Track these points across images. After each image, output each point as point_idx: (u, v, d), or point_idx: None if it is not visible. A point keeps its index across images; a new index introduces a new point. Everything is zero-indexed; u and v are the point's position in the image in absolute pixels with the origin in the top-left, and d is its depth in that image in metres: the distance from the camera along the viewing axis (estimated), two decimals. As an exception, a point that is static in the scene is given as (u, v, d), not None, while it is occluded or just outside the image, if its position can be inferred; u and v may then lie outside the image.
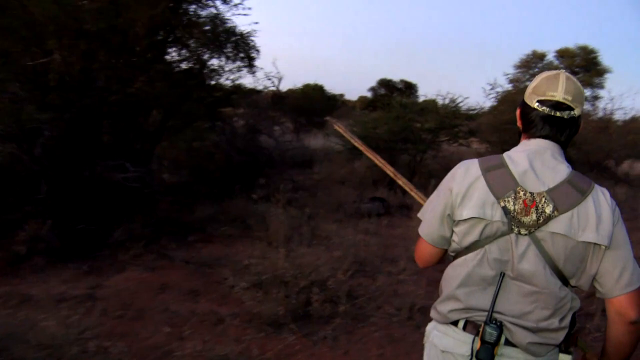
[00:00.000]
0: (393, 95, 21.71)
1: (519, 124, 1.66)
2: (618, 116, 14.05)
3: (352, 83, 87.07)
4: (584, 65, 20.79)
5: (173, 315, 4.04)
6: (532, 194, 1.46)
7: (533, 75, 16.52)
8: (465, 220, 1.52)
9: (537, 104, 1.55)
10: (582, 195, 1.45)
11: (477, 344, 1.48)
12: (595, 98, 19.26)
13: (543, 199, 1.45)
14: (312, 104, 21.40)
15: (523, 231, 1.46)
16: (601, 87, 20.57)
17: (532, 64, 17.82)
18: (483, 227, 1.49)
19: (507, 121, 8.23)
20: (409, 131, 10.25)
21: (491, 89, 12.05)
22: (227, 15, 9.67)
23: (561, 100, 1.52)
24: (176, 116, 6.96)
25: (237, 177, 7.69)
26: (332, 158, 12.13)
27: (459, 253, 1.58)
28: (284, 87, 19.78)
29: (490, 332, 1.45)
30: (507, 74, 14.98)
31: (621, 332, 1.51)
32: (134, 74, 4.89)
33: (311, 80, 26.65)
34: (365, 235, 6.64)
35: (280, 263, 4.42)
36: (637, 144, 14.97)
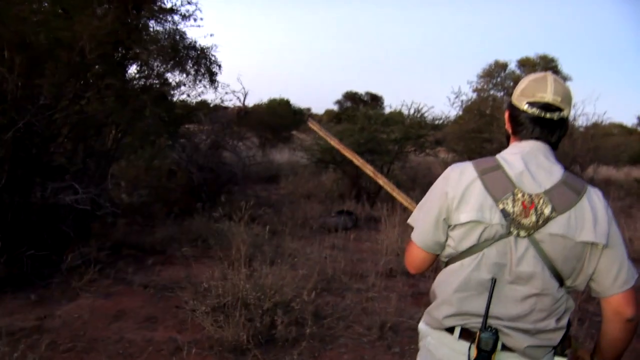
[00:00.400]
0: (359, 107, 21.71)
1: (507, 126, 1.66)
2: (581, 122, 14.23)
3: (318, 97, 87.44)
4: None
5: (128, 346, 3.76)
6: (530, 195, 1.45)
7: (496, 85, 16.76)
8: (462, 224, 1.49)
9: (526, 105, 1.55)
10: (578, 196, 1.46)
11: (474, 353, 1.46)
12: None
13: (541, 200, 1.45)
14: (279, 119, 21.35)
15: (522, 233, 1.45)
16: (562, 94, 20.76)
17: (495, 73, 17.98)
18: (482, 231, 1.47)
19: (472, 130, 8.19)
20: (375, 142, 10.12)
21: (455, 97, 12.05)
22: (187, 30, 9.49)
23: (551, 101, 1.52)
24: (134, 134, 6.67)
25: (199, 195, 7.44)
26: (298, 172, 11.95)
27: (454, 258, 1.56)
28: (251, 102, 19.74)
29: (486, 340, 1.44)
30: (471, 82, 15.05)
31: (617, 330, 1.52)
32: (83, 90, 4.60)
33: (278, 95, 26.60)
34: (333, 250, 6.45)
35: (242, 284, 4.19)
36: (600, 149, 15.17)
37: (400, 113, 11.14)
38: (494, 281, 1.46)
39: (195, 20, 11.97)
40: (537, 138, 1.55)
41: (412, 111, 10.73)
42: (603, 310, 1.55)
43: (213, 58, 12.53)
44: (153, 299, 4.65)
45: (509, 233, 1.45)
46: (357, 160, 2.39)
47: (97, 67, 4.72)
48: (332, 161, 10.53)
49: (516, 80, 18.24)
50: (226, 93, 10.42)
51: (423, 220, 1.62)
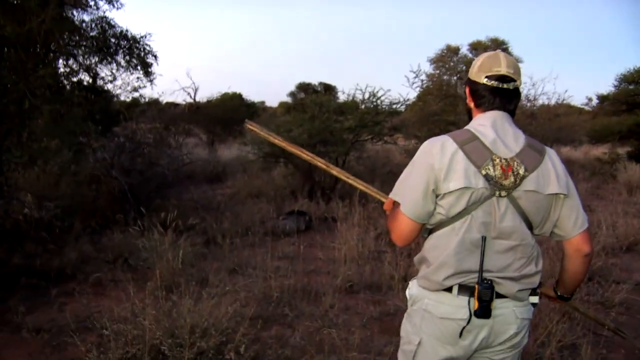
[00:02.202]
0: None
1: (468, 101, 1.86)
2: (542, 101, 13.73)
3: (272, 90, 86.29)
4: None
5: None
6: (505, 159, 1.67)
7: (449, 69, 16.07)
8: (452, 192, 1.65)
9: (485, 79, 1.77)
10: (541, 156, 1.72)
11: (475, 304, 1.66)
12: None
13: (515, 163, 1.67)
14: (230, 113, 20.27)
15: (503, 193, 1.67)
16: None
17: (447, 58, 17.41)
18: (470, 195, 1.66)
19: (435, 112, 7.19)
20: (328, 132, 9.12)
21: (415, 76, 11.07)
22: (115, 17, 8.41)
23: (505, 73, 1.75)
24: (34, 136, 5.53)
25: (123, 204, 6.31)
26: (246, 169, 10.87)
27: (443, 223, 1.72)
28: (203, 97, 19.03)
29: (485, 292, 1.65)
30: (431, 58, 14.23)
31: (578, 264, 1.82)
32: None
33: (230, 89, 25.66)
34: (282, 261, 5.46)
35: (157, 325, 3.16)
36: (562, 129, 14.64)
37: (353, 100, 10.13)
38: (484, 239, 1.68)
39: (121, 5, 10.80)
40: (498, 108, 1.77)
41: (367, 95, 9.76)
42: (566, 250, 1.82)
43: (147, 48, 11.37)
44: (45, 350, 3.55)
45: (492, 194, 1.66)
46: (306, 155, 2.37)
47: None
48: (281, 155, 9.53)
49: (468, 63, 17.75)
50: (173, 89, 9.28)
51: (411, 193, 1.73)
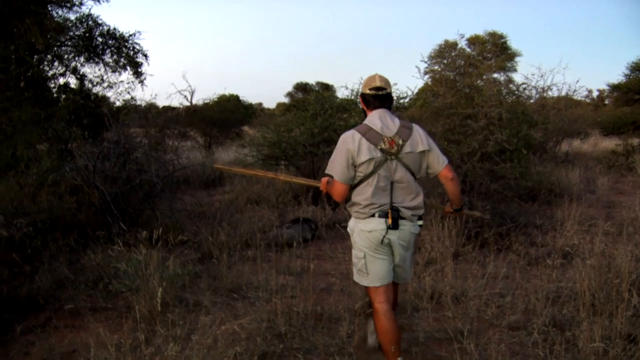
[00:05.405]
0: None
1: (362, 106, 3.06)
2: (551, 93, 13.01)
3: (270, 91, 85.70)
4: (495, 50, 20.32)
5: None
6: (390, 137, 2.82)
7: (447, 65, 15.48)
8: (363, 162, 2.79)
9: (368, 90, 2.96)
10: (410, 131, 2.88)
11: (389, 221, 2.79)
12: (510, 81, 18.68)
13: (396, 138, 2.82)
14: (228, 115, 19.55)
15: (392, 157, 2.81)
16: (514, 70, 20.26)
17: (446, 53, 16.80)
18: (374, 163, 2.80)
19: (450, 105, 6.49)
20: (332, 130, 8.39)
21: (427, 65, 10.27)
22: (103, 16, 7.75)
23: (379, 85, 2.95)
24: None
25: (107, 217, 5.60)
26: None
27: (362, 180, 2.84)
28: (200, 100, 18.57)
29: (394, 213, 2.80)
30: (429, 55, 13.57)
31: (450, 185, 3.00)
32: None
33: (228, 91, 24.99)
34: (288, 277, 4.77)
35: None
36: (575, 122, 13.91)
37: (355, 100, 9.34)
38: (392, 184, 2.82)
39: (107, 1, 10.16)
40: (379, 107, 2.95)
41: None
42: (441, 180, 3.01)
43: (137, 47, 10.64)
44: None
45: (386, 159, 2.80)
46: (262, 174, 4.08)
47: None
48: (282, 157, 8.81)
49: (467, 58, 17.11)
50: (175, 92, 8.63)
51: (339, 167, 2.83)
